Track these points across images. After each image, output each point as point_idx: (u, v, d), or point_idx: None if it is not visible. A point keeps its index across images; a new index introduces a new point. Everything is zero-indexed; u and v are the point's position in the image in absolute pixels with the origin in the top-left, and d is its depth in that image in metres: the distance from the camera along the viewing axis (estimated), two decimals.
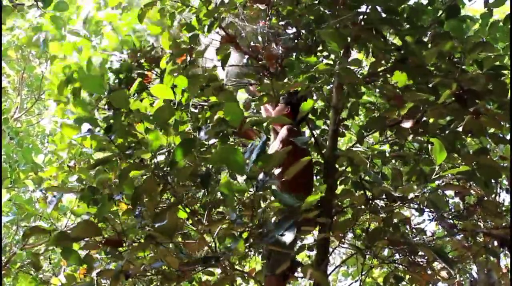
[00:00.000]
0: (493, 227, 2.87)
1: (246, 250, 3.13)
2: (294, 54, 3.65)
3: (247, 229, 2.19)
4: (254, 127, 3.17)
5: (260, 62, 3.35)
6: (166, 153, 2.35)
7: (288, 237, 1.75)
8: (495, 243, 3.22)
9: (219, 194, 2.74)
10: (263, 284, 2.81)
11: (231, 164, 1.68)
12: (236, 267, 3.03)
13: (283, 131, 2.97)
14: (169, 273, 2.40)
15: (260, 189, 1.80)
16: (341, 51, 2.79)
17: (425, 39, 3.03)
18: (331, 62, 3.46)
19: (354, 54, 3.98)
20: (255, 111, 4.06)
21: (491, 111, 2.59)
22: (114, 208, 2.45)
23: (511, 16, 3.08)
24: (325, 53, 3.66)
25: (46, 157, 6.62)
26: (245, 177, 1.91)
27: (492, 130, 2.84)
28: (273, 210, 2.17)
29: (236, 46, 3.33)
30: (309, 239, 3.56)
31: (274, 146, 2.95)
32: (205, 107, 3.21)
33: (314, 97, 3.67)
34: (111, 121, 2.40)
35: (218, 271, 3.62)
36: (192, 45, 3.32)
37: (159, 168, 2.10)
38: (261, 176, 1.81)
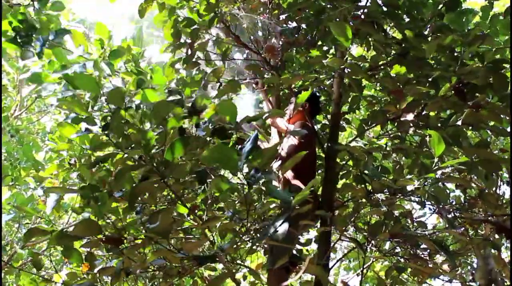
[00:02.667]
0: (493, 217, 2.87)
1: (247, 246, 3.14)
2: (294, 49, 3.65)
3: (244, 225, 2.19)
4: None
5: (261, 56, 3.35)
6: (161, 151, 2.34)
7: (281, 230, 1.74)
8: (497, 236, 3.22)
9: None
10: (264, 278, 2.82)
11: (224, 162, 1.67)
12: (238, 261, 3.04)
13: (296, 126, 3.00)
14: (170, 269, 2.41)
15: (252, 186, 1.79)
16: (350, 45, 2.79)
17: (425, 33, 3.02)
18: (330, 56, 3.46)
19: (353, 48, 3.98)
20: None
21: (491, 105, 2.58)
22: (114, 205, 2.45)
23: (511, 11, 3.06)
24: (324, 48, 3.66)
25: (46, 155, 6.62)
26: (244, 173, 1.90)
27: (492, 123, 2.84)
28: (269, 204, 2.17)
29: (237, 40, 3.33)
30: (311, 234, 3.57)
31: (289, 141, 2.96)
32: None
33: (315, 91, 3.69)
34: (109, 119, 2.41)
35: (220, 266, 3.64)
36: (192, 40, 3.31)
37: (157, 165, 2.10)
38: (252, 171, 1.79)
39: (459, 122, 2.68)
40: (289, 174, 2.90)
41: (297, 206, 1.76)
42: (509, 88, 2.58)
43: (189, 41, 3.35)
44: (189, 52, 3.40)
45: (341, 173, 3.24)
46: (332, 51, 3.64)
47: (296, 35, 3.51)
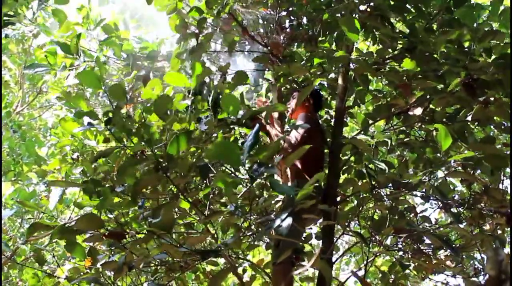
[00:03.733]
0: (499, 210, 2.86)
1: (249, 240, 3.13)
2: (296, 44, 3.63)
3: (247, 220, 2.18)
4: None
5: (268, 49, 3.33)
6: (164, 146, 2.33)
7: (285, 225, 1.73)
8: (499, 231, 3.20)
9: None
10: (269, 273, 2.81)
11: (227, 158, 1.66)
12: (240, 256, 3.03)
13: (301, 118, 2.97)
14: (173, 264, 2.40)
15: (255, 180, 1.78)
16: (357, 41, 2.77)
17: (433, 27, 2.99)
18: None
19: (358, 42, 3.95)
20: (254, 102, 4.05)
21: (499, 101, 2.55)
22: (117, 200, 2.44)
23: (511, 10, 3.05)
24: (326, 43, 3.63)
25: (49, 150, 6.63)
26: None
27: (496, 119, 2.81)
28: (273, 199, 2.16)
29: (244, 32, 3.31)
30: (314, 229, 3.57)
31: (294, 133, 2.93)
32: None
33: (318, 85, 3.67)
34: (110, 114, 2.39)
35: (222, 261, 3.63)
36: (199, 29, 3.29)
37: (159, 160, 2.09)
38: (255, 166, 1.79)
39: (468, 118, 2.66)
40: (296, 168, 2.88)
41: (301, 200, 1.75)
42: (509, 84, 2.55)
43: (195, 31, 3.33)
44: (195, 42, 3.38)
45: (342, 169, 3.23)
46: (333, 46, 3.61)
47: (298, 30, 3.49)
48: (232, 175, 1.96)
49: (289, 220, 1.71)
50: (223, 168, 2.41)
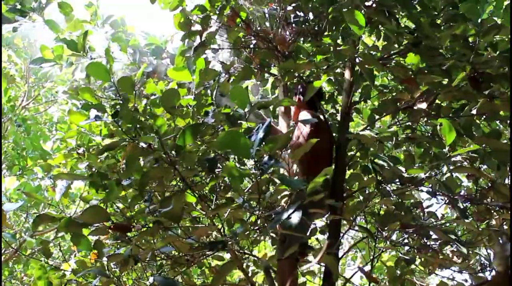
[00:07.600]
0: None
1: (256, 235, 3.13)
2: (302, 39, 3.62)
3: (254, 213, 2.18)
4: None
5: (272, 45, 3.31)
6: (173, 138, 2.33)
7: (294, 218, 1.72)
8: (506, 227, 3.19)
9: (227, 179, 2.73)
10: (274, 268, 2.81)
11: (236, 148, 1.64)
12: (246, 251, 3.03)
13: (303, 114, 2.96)
14: (179, 258, 2.41)
15: (265, 172, 1.77)
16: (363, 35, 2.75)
17: (438, 22, 2.98)
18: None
19: (363, 37, 3.93)
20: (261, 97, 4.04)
21: (505, 95, 2.54)
22: (123, 193, 2.44)
23: (511, 9, 3.03)
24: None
25: (54, 144, 6.65)
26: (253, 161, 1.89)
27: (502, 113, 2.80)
28: (279, 193, 2.15)
29: (247, 28, 3.29)
30: (319, 223, 3.56)
31: (301, 129, 2.92)
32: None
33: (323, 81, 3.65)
34: (118, 107, 2.39)
35: (227, 256, 3.63)
36: (203, 26, 3.27)
37: (167, 152, 2.09)
38: (265, 158, 1.77)
39: (473, 112, 2.65)
40: (304, 165, 2.87)
41: (310, 194, 1.74)
42: (509, 82, 2.53)
43: (199, 28, 3.31)
44: (199, 40, 3.36)
45: (348, 164, 3.22)
46: (339, 41, 3.60)
47: (304, 25, 3.48)
48: (240, 167, 1.94)
49: (298, 214, 1.70)
50: (231, 160, 2.40)
